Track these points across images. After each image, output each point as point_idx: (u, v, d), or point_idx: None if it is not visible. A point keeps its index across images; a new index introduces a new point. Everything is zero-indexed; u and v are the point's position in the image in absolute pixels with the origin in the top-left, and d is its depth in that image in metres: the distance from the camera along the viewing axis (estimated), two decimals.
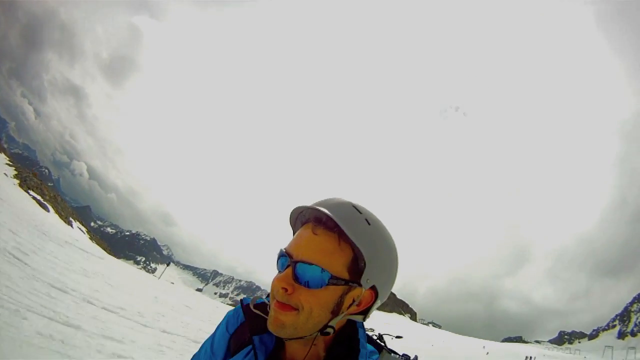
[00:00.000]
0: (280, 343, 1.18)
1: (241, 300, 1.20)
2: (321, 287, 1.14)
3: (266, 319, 1.19)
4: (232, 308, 1.25)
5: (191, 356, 1.25)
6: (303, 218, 1.17)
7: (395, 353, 1.18)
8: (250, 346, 1.18)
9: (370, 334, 1.19)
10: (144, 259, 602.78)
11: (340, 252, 1.15)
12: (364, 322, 1.17)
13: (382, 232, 1.15)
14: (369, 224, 1.15)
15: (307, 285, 1.15)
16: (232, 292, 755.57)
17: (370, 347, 1.17)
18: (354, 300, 1.16)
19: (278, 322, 1.15)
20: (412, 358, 1.16)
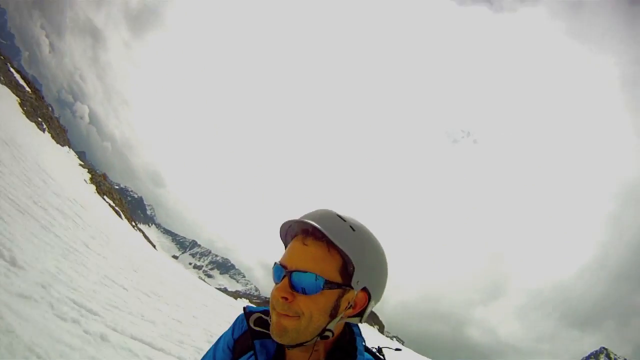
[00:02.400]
0: (281, 348, 1.25)
1: (244, 307, 1.26)
2: (317, 292, 1.21)
3: (269, 325, 1.25)
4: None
5: None
6: (292, 232, 1.26)
7: None
8: (252, 352, 1.24)
9: (370, 346, 1.27)
10: None
11: (331, 258, 1.22)
12: (361, 324, 1.24)
13: (367, 236, 1.23)
14: (353, 230, 1.22)
15: (304, 292, 1.21)
16: (206, 265, 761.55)
17: (368, 355, 1.24)
18: (349, 303, 1.22)
19: (280, 328, 1.21)
20: None
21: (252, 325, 1.25)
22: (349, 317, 1.25)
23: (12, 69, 43.88)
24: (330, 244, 1.24)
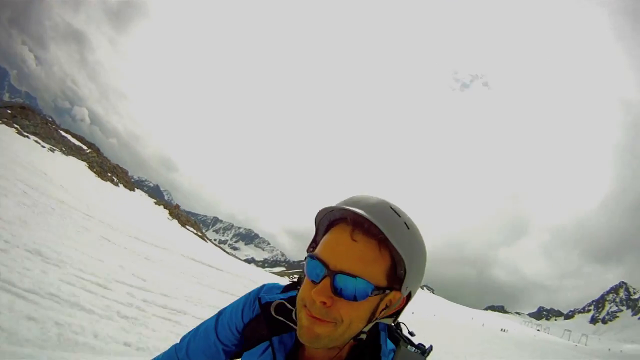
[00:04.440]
0: (299, 342, 1.06)
1: (259, 298, 1.09)
2: (364, 299, 1.02)
3: (289, 313, 1.04)
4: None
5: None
6: (332, 217, 1.03)
7: (412, 344, 1.06)
8: (267, 342, 1.05)
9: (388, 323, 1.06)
10: None
11: (381, 260, 1.03)
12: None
13: (418, 236, 1.04)
14: (408, 228, 1.03)
15: (349, 297, 1.02)
16: (231, 239, 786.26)
17: (390, 344, 1.05)
18: (386, 305, 1.04)
19: (313, 334, 1.03)
20: (427, 348, 1.05)
21: (273, 313, 1.03)
22: (384, 317, 1.05)
23: (63, 132, 46.74)
24: (382, 243, 1.03)
